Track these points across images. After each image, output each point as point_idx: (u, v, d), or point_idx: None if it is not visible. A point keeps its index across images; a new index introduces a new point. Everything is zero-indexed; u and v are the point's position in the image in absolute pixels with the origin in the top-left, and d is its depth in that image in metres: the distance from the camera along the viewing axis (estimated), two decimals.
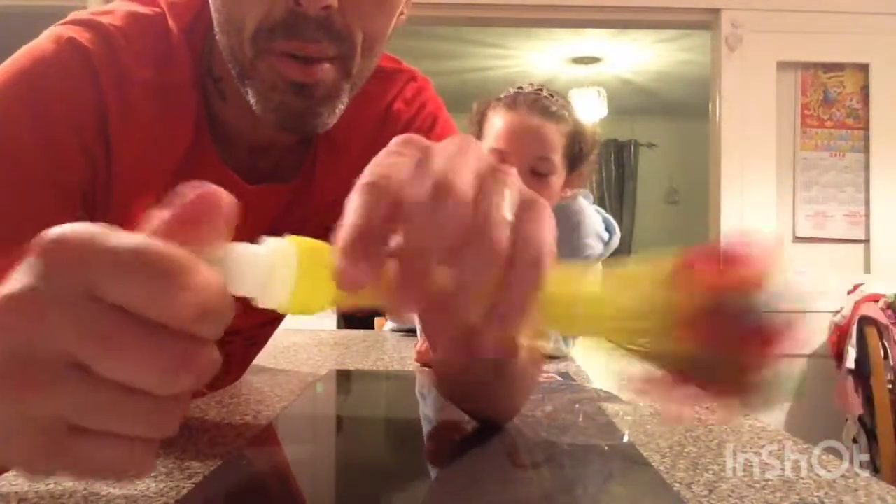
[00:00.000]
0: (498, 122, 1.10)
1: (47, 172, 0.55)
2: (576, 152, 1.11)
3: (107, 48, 0.58)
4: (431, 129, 0.73)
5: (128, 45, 0.58)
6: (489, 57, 4.57)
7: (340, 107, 0.57)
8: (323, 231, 0.58)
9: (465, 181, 0.26)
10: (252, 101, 0.56)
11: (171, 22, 0.61)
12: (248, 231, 0.70)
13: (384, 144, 0.77)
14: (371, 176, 0.27)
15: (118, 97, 0.58)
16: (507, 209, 0.26)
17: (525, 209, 0.27)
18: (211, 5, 0.57)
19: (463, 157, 0.27)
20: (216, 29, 0.57)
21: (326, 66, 0.54)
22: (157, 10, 0.62)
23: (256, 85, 0.55)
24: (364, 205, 0.26)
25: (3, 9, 3.03)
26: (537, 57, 4.61)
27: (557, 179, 1.11)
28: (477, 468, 0.54)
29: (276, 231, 0.70)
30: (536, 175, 1.09)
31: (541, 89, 1.11)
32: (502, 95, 1.13)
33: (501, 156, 1.09)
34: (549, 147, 1.08)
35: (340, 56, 0.54)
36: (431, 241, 0.25)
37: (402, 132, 0.77)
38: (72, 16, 0.60)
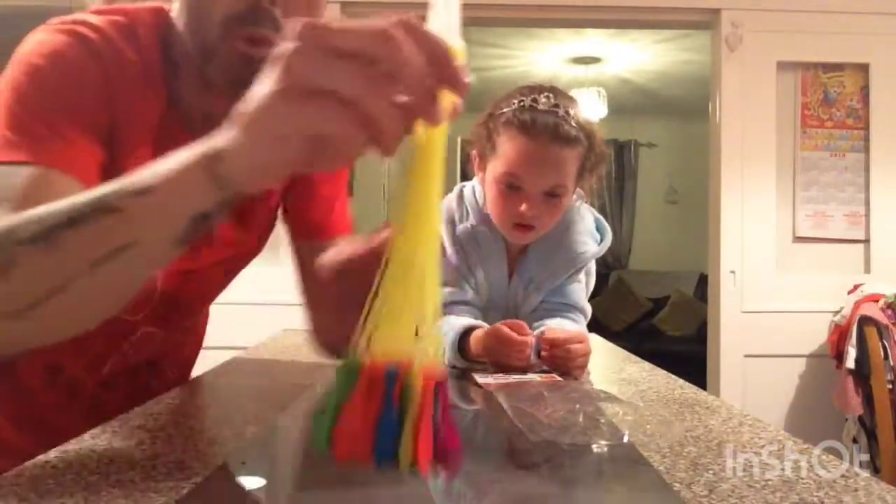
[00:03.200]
0: (514, 147, 1.06)
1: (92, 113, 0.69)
2: (586, 167, 1.11)
3: (101, 37, 0.70)
4: None
5: (116, 35, 0.71)
6: (489, 57, 4.58)
7: None
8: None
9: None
10: (213, 76, 0.69)
11: (138, 22, 0.75)
12: None
13: None
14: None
15: (118, 73, 0.70)
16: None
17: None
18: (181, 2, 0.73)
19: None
20: (184, 19, 0.72)
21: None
22: (124, 19, 0.74)
23: (219, 64, 0.68)
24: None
25: (3, 9, 3.03)
26: (537, 57, 4.61)
27: (567, 198, 1.10)
28: (477, 468, 0.54)
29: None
30: (549, 197, 1.08)
31: (557, 105, 1.07)
32: (515, 105, 1.07)
33: (517, 180, 1.07)
34: (566, 175, 1.07)
35: None
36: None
37: None
38: (57, 20, 0.70)
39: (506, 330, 0.99)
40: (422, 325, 0.36)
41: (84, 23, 0.70)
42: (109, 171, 0.66)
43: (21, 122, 0.62)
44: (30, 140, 0.62)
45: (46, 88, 0.65)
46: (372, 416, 0.35)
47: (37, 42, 0.67)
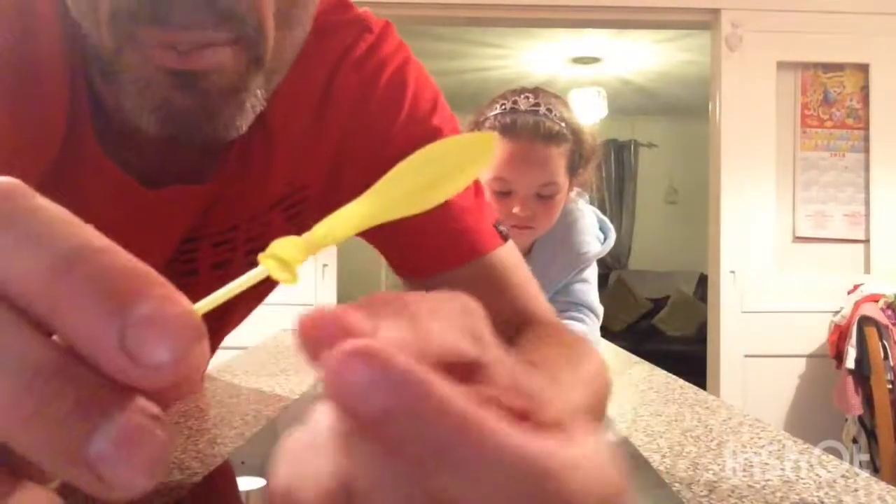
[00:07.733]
0: (498, 151, 1.05)
1: None
2: (577, 163, 1.10)
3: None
4: (398, 107, 0.57)
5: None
6: (489, 57, 4.57)
7: (253, 102, 0.45)
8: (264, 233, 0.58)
9: None
10: (126, 105, 0.43)
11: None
12: (159, 240, 0.57)
13: (328, 130, 0.58)
14: None
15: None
16: None
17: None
18: None
19: None
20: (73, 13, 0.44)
21: (221, 48, 0.41)
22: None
23: (127, 84, 0.42)
24: None
25: None
26: (537, 57, 4.61)
27: (562, 196, 1.09)
28: None
29: (196, 239, 0.57)
30: (542, 197, 1.07)
31: (538, 103, 1.07)
32: (497, 109, 1.07)
33: (506, 183, 1.06)
34: (553, 172, 1.06)
35: (242, 38, 0.41)
36: None
37: (352, 113, 0.58)
38: None
39: None
40: None
41: None
42: None
43: None
44: None
45: None
46: None
47: None
